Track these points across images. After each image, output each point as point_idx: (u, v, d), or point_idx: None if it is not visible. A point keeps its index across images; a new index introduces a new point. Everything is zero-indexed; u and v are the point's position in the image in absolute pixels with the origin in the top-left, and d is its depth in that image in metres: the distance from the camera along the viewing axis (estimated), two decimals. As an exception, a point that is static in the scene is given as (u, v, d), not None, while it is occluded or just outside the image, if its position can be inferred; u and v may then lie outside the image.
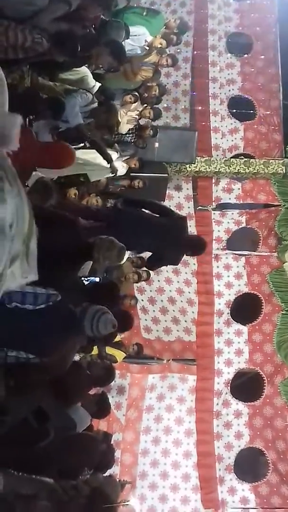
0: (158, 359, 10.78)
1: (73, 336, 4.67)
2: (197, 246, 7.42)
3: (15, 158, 2.99)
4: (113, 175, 8.25)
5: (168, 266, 10.34)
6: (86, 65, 7.00)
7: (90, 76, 7.13)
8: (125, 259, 8.41)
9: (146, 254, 8.21)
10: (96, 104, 7.31)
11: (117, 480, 7.99)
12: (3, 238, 2.60)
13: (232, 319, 10.63)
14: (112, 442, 7.63)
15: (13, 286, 2.96)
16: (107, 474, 6.16)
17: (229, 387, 10.41)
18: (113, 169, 7.87)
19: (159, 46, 8.75)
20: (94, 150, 7.48)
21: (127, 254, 8.45)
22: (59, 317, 4.54)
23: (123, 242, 6.56)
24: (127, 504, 8.89)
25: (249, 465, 10.39)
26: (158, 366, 10.65)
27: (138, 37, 8.15)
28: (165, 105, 10.65)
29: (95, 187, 8.44)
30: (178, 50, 10.50)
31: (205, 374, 10.45)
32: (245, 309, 10.79)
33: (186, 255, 7.62)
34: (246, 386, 10.59)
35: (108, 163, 7.75)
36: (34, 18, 5.39)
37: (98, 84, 7.29)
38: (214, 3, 11.39)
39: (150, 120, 9.24)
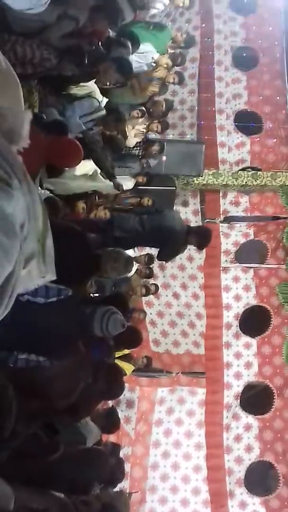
0: (167, 372, 10.77)
1: (83, 334, 4.66)
2: (203, 236, 7.55)
3: (24, 154, 2.97)
4: (118, 191, 8.27)
5: (176, 281, 10.44)
6: (94, 80, 7.05)
7: (97, 91, 7.18)
8: (133, 272, 8.53)
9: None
10: (103, 112, 7.35)
11: (127, 494, 7.98)
12: (13, 236, 2.55)
13: (241, 332, 10.61)
14: (121, 456, 7.63)
15: (31, 286, 2.93)
16: (117, 488, 6.15)
17: (238, 400, 10.37)
18: (116, 186, 7.89)
19: (165, 66, 8.83)
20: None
21: (135, 257, 8.57)
22: (69, 312, 4.55)
23: (129, 240, 6.67)
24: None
25: (260, 479, 10.32)
26: (167, 380, 10.63)
27: (145, 55, 8.22)
28: (172, 122, 10.70)
29: (104, 198, 8.49)
30: (184, 67, 10.54)
31: (214, 387, 10.43)
32: (254, 321, 10.77)
33: (192, 244, 7.67)
34: (256, 399, 10.55)
35: (108, 179, 7.76)
36: (42, 34, 5.44)
37: (105, 100, 7.33)
38: (220, 18, 11.43)
39: (158, 134, 9.30)
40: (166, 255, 7.93)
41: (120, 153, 8.33)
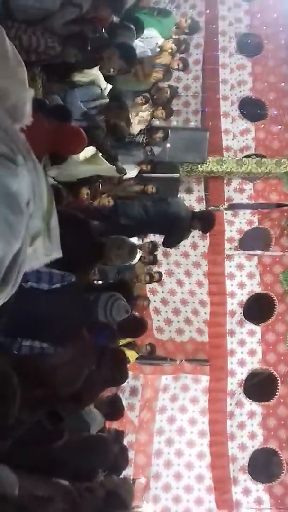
0: (171, 360, 10.79)
1: (86, 320, 4.66)
2: (206, 221, 7.59)
3: (27, 141, 2.94)
4: (121, 174, 8.23)
5: (180, 269, 10.43)
6: (97, 67, 7.00)
7: (101, 78, 7.13)
8: (137, 259, 8.52)
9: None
10: (106, 100, 7.31)
11: (131, 481, 8.01)
12: (20, 213, 2.53)
13: (245, 319, 10.61)
14: (125, 443, 7.64)
15: (37, 265, 2.90)
16: (121, 475, 6.17)
17: (242, 388, 10.38)
18: (119, 170, 7.85)
19: (169, 50, 8.76)
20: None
21: (139, 244, 8.56)
22: (73, 299, 4.54)
23: (134, 227, 6.66)
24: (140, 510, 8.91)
25: (263, 466, 10.34)
26: (171, 367, 10.66)
27: (149, 40, 8.13)
28: (176, 108, 10.66)
29: (108, 185, 8.45)
30: (189, 53, 10.46)
31: (218, 374, 10.44)
32: (258, 309, 10.76)
33: (197, 229, 7.72)
34: (260, 386, 10.56)
35: (112, 164, 7.73)
36: (45, 21, 5.40)
37: (109, 86, 7.28)
38: (224, 4, 11.36)
39: (163, 120, 9.26)
40: (172, 241, 7.95)
41: (123, 141, 8.29)
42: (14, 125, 2.81)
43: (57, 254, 3.00)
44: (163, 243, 8.03)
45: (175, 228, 7.45)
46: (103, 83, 7.17)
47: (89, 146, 6.92)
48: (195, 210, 10.52)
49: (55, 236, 2.90)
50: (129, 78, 8.25)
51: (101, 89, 7.25)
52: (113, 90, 7.52)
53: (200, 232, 8.18)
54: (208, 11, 11.24)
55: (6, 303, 4.17)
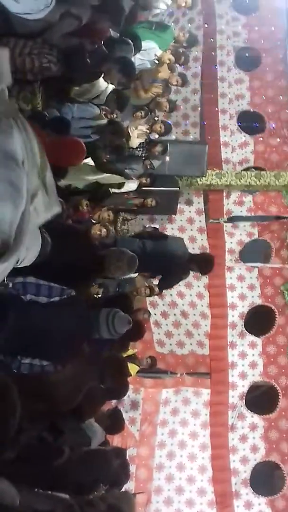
0: (172, 373, 10.75)
1: (87, 336, 4.64)
2: (205, 263, 7.59)
3: None
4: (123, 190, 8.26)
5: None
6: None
7: (101, 79, 7.07)
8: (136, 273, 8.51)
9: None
10: (104, 121, 7.32)
11: (132, 495, 7.96)
12: (21, 172, 2.55)
13: (246, 331, 10.59)
14: (127, 457, 7.61)
15: (40, 222, 2.90)
16: (122, 489, 6.13)
17: (244, 400, 10.35)
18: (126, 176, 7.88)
19: (168, 61, 8.80)
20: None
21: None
22: (73, 314, 4.53)
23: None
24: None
25: (265, 479, 10.30)
26: (171, 380, 10.62)
27: (147, 51, 8.16)
28: (175, 121, 10.71)
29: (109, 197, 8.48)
30: (187, 66, 10.52)
31: (219, 387, 10.42)
32: (258, 321, 10.76)
33: (194, 271, 7.75)
34: (261, 399, 10.53)
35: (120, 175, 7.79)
36: (44, 33, 5.41)
37: (111, 86, 7.16)
38: (222, 18, 11.44)
39: (161, 135, 9.29)
40: (167, 284, 8.12)
41: (123, 155, 8.32)
42: None
43: (57, 208, 3.02)
44: (158, 285, 8.21)
45: (171, 269, 7.50)
46: (103, 84, 7.11)
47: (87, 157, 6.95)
48: (195, 224, 10.71)
49: (52, 191, 2.93)
50: (128, 93, 8.29)
51: (100, 109, 7.25)
52: (116, 91, 7.41)
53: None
54: (206, 25, 11.32)
55: (6, 318, 4.18)
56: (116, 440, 8.45)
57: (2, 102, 2.69)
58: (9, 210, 2.51)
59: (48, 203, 2.88)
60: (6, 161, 2.52)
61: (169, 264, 7.41)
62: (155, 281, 9.87)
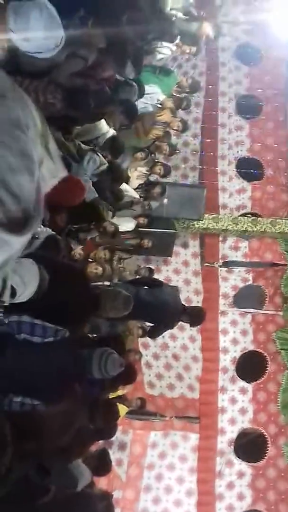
0: (161, 416, 10.65)
1: (79, 376, 4.63)
2: (197, 317, 7.91)
3: None
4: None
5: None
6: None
7: (103, 121, 7.16)
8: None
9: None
10: (105, 165, 7.38)
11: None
12: (27, 137, 2.55)
13: (237, 376, 10.53)
14: (112, 501, 7.48)
15: (47, 189, 2.88)
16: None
17: (232, 447, 10.25)
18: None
19: (170, 107, 8.95)
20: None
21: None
22: (66, 354, 4.52)
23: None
24: None
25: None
26: (160, 423, 10.51)
27: (151, 96, 8.31)
28: (175, 164, 10.82)
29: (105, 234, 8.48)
30: (189, 110, 10.69)
31: (208, 432, 10.31)
32: (250, 366, 10.71)
33: (184, 322, 8.00)
34: (250, 446, 10.42)
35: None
36: (50, 73, 5.50)
37: (111, 131, 7.28)
38: (225, 66, 11.69)
39: (160, 177, 9.39)
40: (157, 333, 8.35)
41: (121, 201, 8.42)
42: None
43: (63, 172, 3.03)
44: (149, 333, 8.48)
45: (163, 320, 7.78)
46: (105, 127, 7.19)
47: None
48: (190, 267, 10.73)
49: (56, 157, 2.93)
50: (129, 134, 8.40)
51: (102, 157, 7.30)
52: (113, 138, 7.47)
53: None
54: (209, 72, 11.55)
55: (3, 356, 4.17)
56: (102, 481, 8.32)
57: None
58: (27, 180, 2.51)
59: (54, 169, 2.88)
60: (13, 130, 2.52)
61: (162, 314, 7.62)
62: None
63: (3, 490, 3.28)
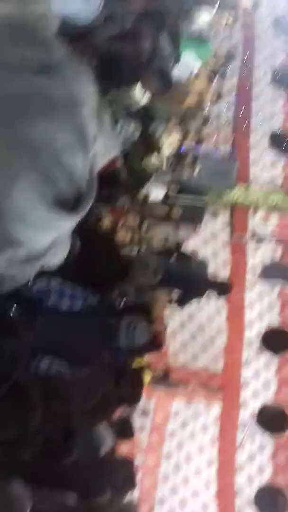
0: (184, 385, 10.70)
1: (107, 344, 4.67)
2: (223, 287, 8.47)
3: None
4: None
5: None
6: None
7: (137, 88, 7.03)
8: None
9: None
10: (137, 134, 7.32)
11: (135, 505, 7.93)
12: (83, 114, 2.46)
13: (262, 350, 10.53)
14: (134, 467, 7.58)
15: (100, 167, 2.81)
16: (128, 496, 6.12)
17: (254, 419, 10.28)
18: None
19: (204, 79, 8.86)
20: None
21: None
22: (94, 321, 4.55)
23: None
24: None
25: (270, 502, 10.18)
26: (183, 393, 10.56)
27: (186, 64, 8.21)
28: (207, 134, 10.71)
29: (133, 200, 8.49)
30: (224, 81, 10.57)
31: (230, 404, 10.34)
32: (275, 340, 10.67)
33: (211, 292, 8.40)
34: (272, 419, 10.43)
35: None
36: (87, 36, 5.45)
37: (145, 99, 7.11)
38: (261, 38, 11.59)
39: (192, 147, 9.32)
40: (186, 300, 8.60)
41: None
42: None
43: (116, 150, 2.96)
44: (178, 301, 8.55)
45: (190, 288, 8.02)
46: (139, 96, 7.10)
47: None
48: (219, 240, 10.72)
49: (110, 132, 2.85)
50: (164, 101, 8.32)
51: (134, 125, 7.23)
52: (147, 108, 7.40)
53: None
54: (245, 43, 11.47)
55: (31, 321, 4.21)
56: (124, 446, 8.41)
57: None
58: (80, 160, 2.45)
59: (108, 145, 2.79)
60: (68, 106, 2.43)
61: (190, 283, 7.83)
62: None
63: (31, 449, 3.34)
